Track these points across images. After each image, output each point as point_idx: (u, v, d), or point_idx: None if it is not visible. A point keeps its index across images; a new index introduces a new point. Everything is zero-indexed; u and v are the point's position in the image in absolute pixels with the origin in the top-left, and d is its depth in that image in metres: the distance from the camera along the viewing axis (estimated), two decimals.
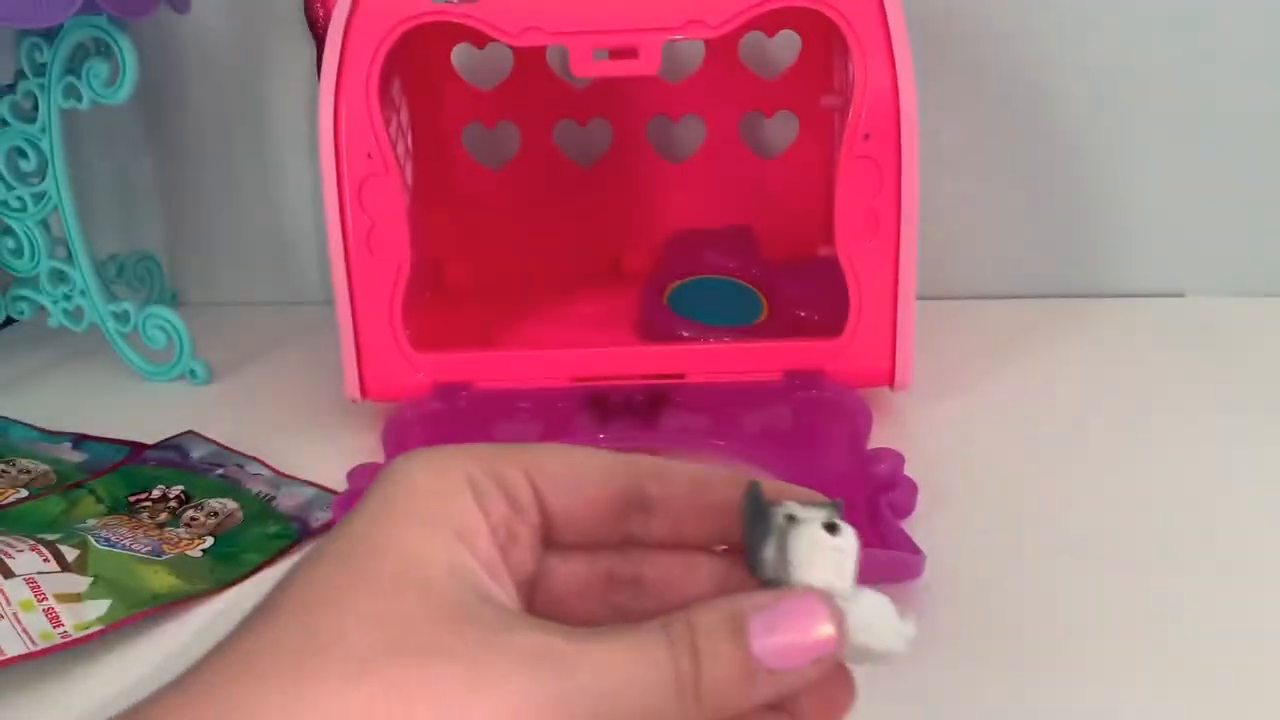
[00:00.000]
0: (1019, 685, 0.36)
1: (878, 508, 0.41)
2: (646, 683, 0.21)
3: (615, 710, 0.21)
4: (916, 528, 0.41)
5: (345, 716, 0.20)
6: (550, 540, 0.26)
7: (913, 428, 0.51)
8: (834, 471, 0.45)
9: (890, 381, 0.51)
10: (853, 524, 0.42)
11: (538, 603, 0.27)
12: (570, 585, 0.27)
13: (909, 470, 0.44)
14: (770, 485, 0.25)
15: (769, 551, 0.23)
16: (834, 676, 0.24)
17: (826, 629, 0.22)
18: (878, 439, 0.47)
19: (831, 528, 0.23)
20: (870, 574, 0.39)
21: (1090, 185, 0.66)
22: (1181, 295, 0.66)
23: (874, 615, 0.23)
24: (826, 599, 0.23)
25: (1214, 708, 0.34)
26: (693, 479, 0.26)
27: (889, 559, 0.39)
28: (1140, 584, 0.40)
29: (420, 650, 0.21)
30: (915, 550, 0.39)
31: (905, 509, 0.43)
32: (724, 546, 0.26)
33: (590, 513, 0.26)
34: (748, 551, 0.24)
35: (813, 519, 0.23)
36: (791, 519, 0.24)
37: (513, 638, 0.22)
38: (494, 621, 0.22)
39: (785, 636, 0.22)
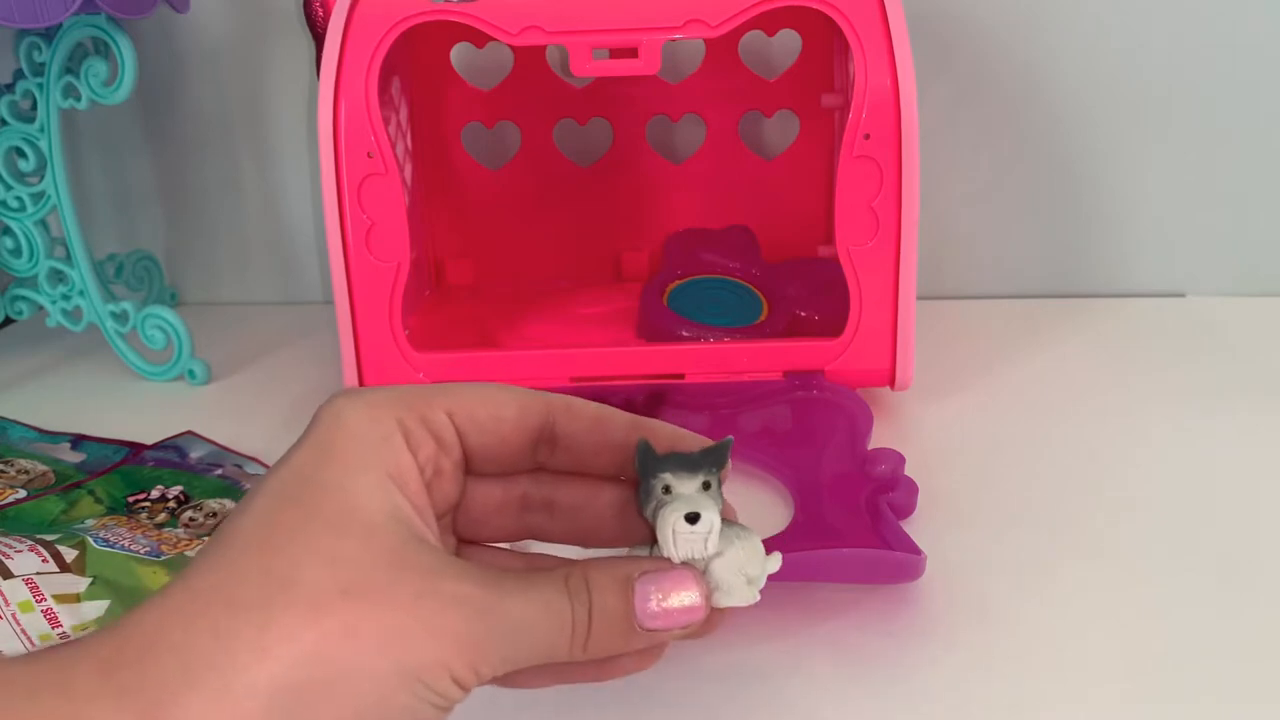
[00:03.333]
0: (1019, 685, 0.35)
1: (878, 508, 0.41)
2: (549, 628, 0.25)
3: (520, 649, 0.25)
4: (916, 528, 0.41)
5: (302, 655, 0.22)
6: (470, 469, 0.29)
7: (913, 428, 0.51)
8: (834, 471, 0.45)
9: (890, 381, 0.51)
10: (853, 524, 0.42)
11: (459, 523, 0.30)
12: (488, 507, 0.30)
13: (909, 470, 0.44)
14: (662, 435, 0.28)
15: (648, 513, 0.27)
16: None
17: (696, 603, 0.26)
18: (878, 439, 0.47)
19: (693, 517, 0.26)
20: (871, 574, 0.39)
21: (1090, 185, 0.66)
22: (1182, 295, 0.66)
23: (733, 573, 0.27)
24: (699, 577, 0.27)
25: (1214, 707, 0.34)
26: (595, 417, 0.29)
27: (889, 559, 0.39)
28: (1141, 583, 0.40)
29: (368, 592, 0.23)
30: (915, 550, 0.39)
31: (905, 509, 0.43)
32: (622, 478, 0.30)
33: (506, 446, 0.29)
34: (638, 496, 0.28)
35: (682, 497, 0.27)
36: (667, 490, 0.27)
37: (444, 584, 0.24)
38: (428, 566, 0.25)
39: (663, 604, 0.26)
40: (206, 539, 0.44)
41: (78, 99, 0.56)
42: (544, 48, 0.62)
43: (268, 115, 0.68)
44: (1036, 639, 0.37)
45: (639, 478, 0.28)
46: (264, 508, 0.25)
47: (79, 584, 0.39)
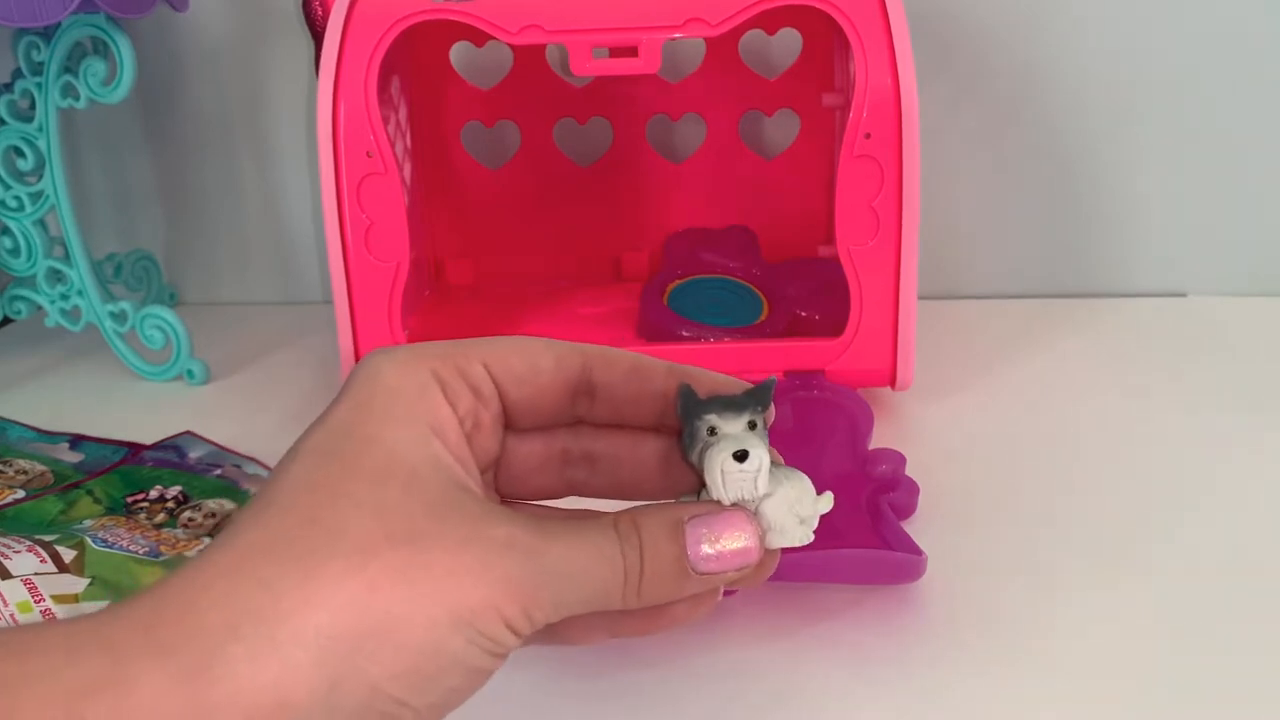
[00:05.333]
0: (1019, 685, 0.35)
1: (878, 508, 0.41)
2: (600, 573, 0.25)
3: (571, 594, 0.25)
4: (918, 528, 0.41)
5: (350, 603, 0.22)
6: (510, 424, 0.29)
7: (913, 428, 0.51)
8: (834, 471, 0.45)
9: (891, 381, 0.51)
10: (854, 525, 0.42)
11: (501, 480, 0.30)
12: (529, 463, 0.29)
13: (909, 470, 0.44)
14: (703, 381, 0.28)
15: (694, 457, 0.27)
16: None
17: (749, 544, 0.26)
18: (878, 439, 0.47)
19: (741, 456, 0.26)
20: (871, 574, 0.39)
21: (1090, 185, 0.66)
22: (1182, 295, 0.66)
23: (785, 514, 0.27)
24: (751, 519, 0.26)
25: (1215, 707, 0.34)
26: (632, 365, 0.29)
27: (890, 559, 0.39)
28: (1141, 583, 0.40)
29: (415, 538, 0.23)
30: (916, 550, 0.38)
31: (906, 509, 0.43)
32: (663, 429, 0.29)
33: (544, 399, 0.28)
34: (681, 443, 0.27)
35: (729, 437, 0.26)
36: (713, 431, 0.27)
37: (490, 529, 0.24)
38: (474, 512, 0.24)
39: (715, 546, 0.26)
40: (206, 539, 0.44)
41: (76, 98, 0.56)
42: (544, 47, 0.62)
43: (267, 115, 0.68)
44: (1037, 639, 0.37)
45: (681, 422, 0.27)
46: (305, 464, 0.24)
47: (78, 584, 0.39)
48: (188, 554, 0.43)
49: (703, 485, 0.27)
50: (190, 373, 0.59)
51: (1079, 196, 0.66)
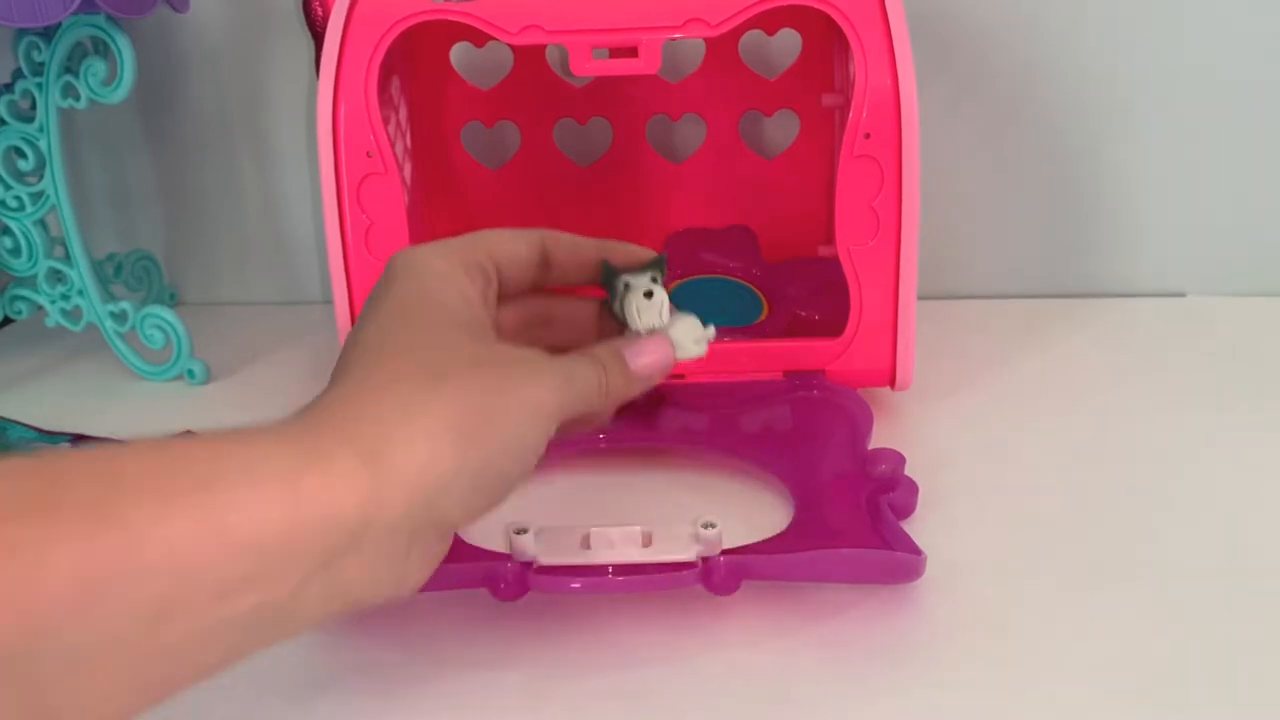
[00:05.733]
0: (1019, 685, 0.35)
1: (878, 508, 0.41)
2: (591, 384, 0.36)
3: (578, 399, 0.35)
4: (917, 528, 0.41)
5: (466, 399, 0.31)
6: (500, 296, 0.38)
7: (913, 428, 0.51)
8: (834, 471, 0.45)
9: (890, 381, 0.51)
10: (853, 524, 0.42)
11: None
12: (509, 326, 0.39)
13: (909, 470, 0.44)
14: (618, 252, 0.39)
15: (617, 306, 0.39)
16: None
17: (663, 354, 0.38)
18: (878, 439, 0.47)
19: (648, 294, 0.38)
20: (871, 574, 0.39)
21: (1090, 185, 0.66)
22: (1182, 295, 0.66)
23: (685, 336, 0.39)
24: (664, 339, 0.38)
25: (1215, 707, 0.34)
26: (572, 242, 0.39)
27: (889, 559, 0.39)
28: (1141, 583, 0.40)
29: (493, 363, 0.33)
30: (915, 550, 0.38)
31: (906, 509, 0.43)
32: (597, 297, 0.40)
33: (524, 274, 0.38)
34: (607, 303, 0.39)
35: (639, 286, 0.38)
36: (627, 286, 0.38)
37: (535, 356, 0.34)
38: (513, 349, 0.35)
39: (647, 360, 0.37)
40: None
41: (77, 99, 0.56)
42: (544, 47, 0.62)
43: (267, 115, 0.68)
44: (1036, 639, 0.37)
45: (605, 286, 0.39)
46: (382, 318, 0.34)
47: None
48: None
49: (626, 329, 0.39)
50: (190, 373, 0.59)
51: (1079, 196, 0.66)
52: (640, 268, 0.39)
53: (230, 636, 0.27)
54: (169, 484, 0.26)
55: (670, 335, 0.38)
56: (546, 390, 0.33)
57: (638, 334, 0.38)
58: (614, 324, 0.39)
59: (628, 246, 0.40)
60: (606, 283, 0.39)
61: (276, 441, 0.29)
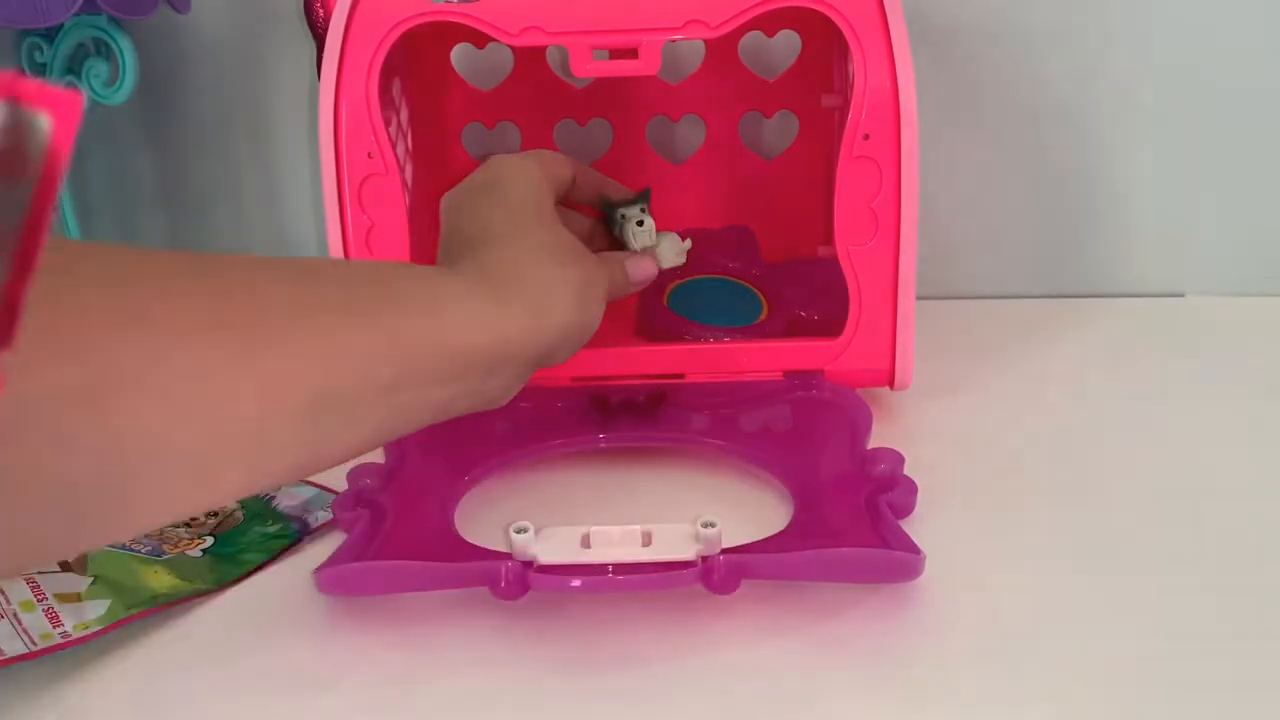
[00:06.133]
0: (1019, 684, 0.36)
1: (878, 507, 0.41)
2: (619, 281, 0.47)
3: (614, 290, 0.46)
4: (916, 528, 0.41)
5: (540, 277, 0.41)
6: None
7: (913, 428, 0.51)
8: (834, 471, 0.45)
9: (890, 381, 0.51)
10: (853, 524, 0.42)
11: None
12: None
13: (909, 470, 0.44)
14: (613, 187, 0.51)
15: (616, 231, 0.50)
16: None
17: (652, 268, 0.48)
18: (878, 439, 0.47)
19: (640, 223, 0.49)
20: (870, 574, 0.39)
21: (1090, 185, 0.66)
22: (1182, 295, 0.66)
23: (669, 251, 0.49)
24: (651, 256, 0.49)
25: (1215, 706, 0.34)
26: (585, 173, 0.49)
27: (889, 559, 0.39)
28: (1140, 582, 0.40)
29: (583, 253, 0.44)
30: (915, 550, 0.39)
31: (905, 509, 0.43)
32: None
33: (563, 189, 0.48)
34: (606, 226, 0.51)
35: (632, 216, 0.49)
36: (623, 216, 0.49)
37: (586, 250, 0.44)
38: (572, 236, 0.44)
39: (639, 270, 0.48)
40: (209, 538, 0.44)
41: None
42: (544, 48, 0.62)
43: (268, 116, 0.68)
44: (1036, 638, 0.38)
45: (605, 215, 0.50)
46: (519, 211, 0.43)
47: (80, 583, 0.39)
48: (190, 553, 0.43)
49: (624, 246, 0.49)
50: None
51: (1078, 196, 0.66)
52: (632, 201, 0.50)
53: (424, 412, 0.38)
54: (406, 297, 0.37)
55: (659, 252, 0.49)
56: (598, 268, 0.44)
57: (634, 251, 0.49)
58: (605, 238, 0.50)
59: (619, 185, 0.51)
60: (606, 213, 0.50)
61: (474, 285, 0.39)
